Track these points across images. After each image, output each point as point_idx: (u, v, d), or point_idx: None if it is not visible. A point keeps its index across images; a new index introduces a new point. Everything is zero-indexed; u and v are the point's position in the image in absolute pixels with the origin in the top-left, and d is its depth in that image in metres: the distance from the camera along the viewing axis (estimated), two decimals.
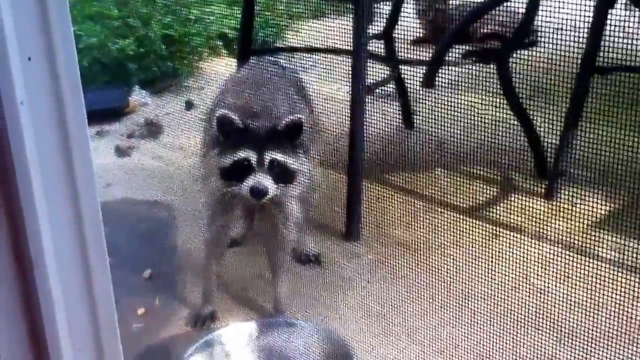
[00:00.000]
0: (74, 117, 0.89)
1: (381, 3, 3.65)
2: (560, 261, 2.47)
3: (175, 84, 4.25)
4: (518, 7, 3.39)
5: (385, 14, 3.62)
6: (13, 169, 0.85)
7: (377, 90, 3.61)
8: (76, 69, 0.89)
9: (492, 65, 3.16)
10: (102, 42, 3.99)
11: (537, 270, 2.48)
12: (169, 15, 4.34)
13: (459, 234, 2.76)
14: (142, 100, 4.03)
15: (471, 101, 3.42)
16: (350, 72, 2.79)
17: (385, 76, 3.55)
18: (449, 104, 3.50)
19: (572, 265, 2.25)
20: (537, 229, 2.75)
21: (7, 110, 0.83)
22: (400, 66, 3.57)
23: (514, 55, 3.16)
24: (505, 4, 3.63)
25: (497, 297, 2.35)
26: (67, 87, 0.88)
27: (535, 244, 2.65)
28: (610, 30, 2.69)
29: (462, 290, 2.44)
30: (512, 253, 2.60)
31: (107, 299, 0.98)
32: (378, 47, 3.46)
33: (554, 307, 2.32)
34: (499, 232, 2.76)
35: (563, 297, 2.29)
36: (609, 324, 1.97)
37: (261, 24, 3.89)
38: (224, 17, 4.40)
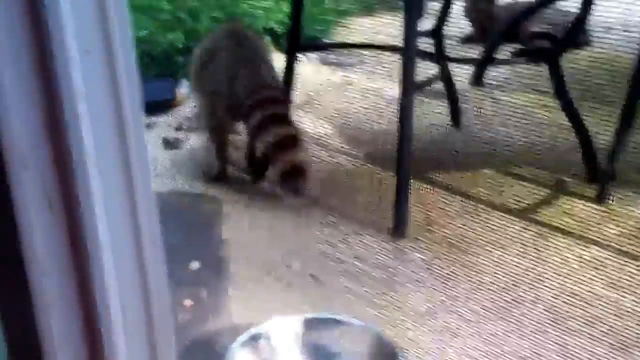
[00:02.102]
0: (130, 109, 0.89)
1: (431, 1, 3.63)
2: (612, 266, 2.44)
3: None
4: (569, 6, 3.36)
5: (435, 12, 3.61)
6: (71, 161, 0.85)
7: (427, 88, 3.59)
8: (133, 62, 0.88)
9: (542, 65, 3.13)
10: (151, 35, 4.01)
11: (589, 275, 2.45)
12: (217, 9, 4.35)
13: (508, 235, 2.73)
14: (190, 93, 4.05)
15: (520, 101, 3.40)
16: (399, 70, 2.77)
17: (434, 74, 3.53)
18: (498, 103, 3.49)
19: (624, 271, 2.24)
20: (588, 232, 2.72)
21: (65, 103, 0.83)
22: (448, 64, 3.55)
23: (566, 54, 3.13)
24: (556, 3, 3.60)
25: (547, 301, 2.33)
26: (125, 81, 0.88)
27: (585, 247, 2.62)
28: None
29: (510, 292, 2.42)
30: (562, 256, 2.58)
31: (162, 291, 0.98)
32: (427, 45, 3.44)
33: (606, 313, 2.29)
34: (549, 234, 2.73)
35: (615, 304, 2.26)
36: None
37: (309, 19, 3.88)
38: (272, 11, 4.42)
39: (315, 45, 3.94)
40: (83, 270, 0.91)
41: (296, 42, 3.31)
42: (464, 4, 4.45)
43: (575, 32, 3.17)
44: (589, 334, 2.21)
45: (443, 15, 3.54)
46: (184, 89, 4.03)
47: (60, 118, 0.83)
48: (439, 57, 3.49)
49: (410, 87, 2.75)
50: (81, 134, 0.84)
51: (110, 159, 0.89)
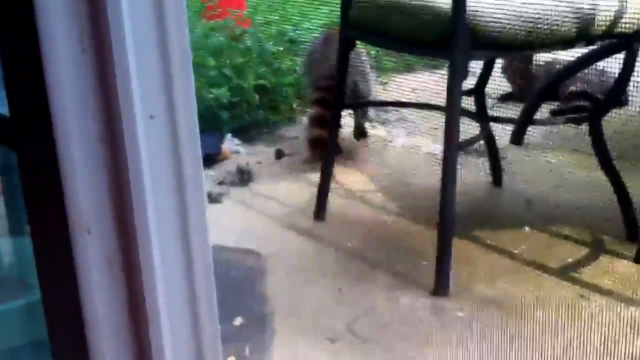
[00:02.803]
0: (191, 176, 0.91)
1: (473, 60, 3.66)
2: None
3: (266, 132, 4.31)
4: (609, 67, 3.38)
5: (477, 70, 3.63)
6: (133, 226, 0.88)
7: (469, 147, 3.61)
8: (196, 127, 0.91)
9: (583, 125, 3.15)
10: (197, 91, 4.07)
11: (628, 336, 2.44)
12: (262, 66, 4.41)
13: (549, 295, 2.73)
14: (235, 148, 4.10)
15: (560, 160, 3.41)
16: (440, 127, 2.80)
17: (476, 133, 3.55)
18: (538, 162, 3.50)
19: None
20: (628, 292, 2.71)
21: (130, 169, 0.86)
22: (490, 123, 3.57)
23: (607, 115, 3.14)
24: (596, 64, 3.62)
25: None
26: (186, 146, 0.91)
27: (625, 308, 2.61)
28: None
29: (551, 353, 2.41)
30: (603, 317, 2.57)
31: (216, 352, 1.00)
32: (468, 104, 3.47)
33: None
34: (589, 294, 2.73)
35: None
36: None
37: None
38: None
39: (360, 102, 3.98)
40: (140, 335, 0.93)
41: (342, 99, 3.35)
42: (503, 63, 4.47)
43: (617, 93, 3.18)
44: None
45: (485, 75, 3.57)
46: (228, 143, 4.08)
47: (124, 184, 0.87)
48: (481, 116, 3.52)
49: (453, 145, 2.78)
50: (144, 200, 0.87)
51: (170, 224, 0.91)
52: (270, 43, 4.64)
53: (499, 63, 4.37)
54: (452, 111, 2.77)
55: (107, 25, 0.80)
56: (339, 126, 3.54)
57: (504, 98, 4.50)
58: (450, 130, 2.77)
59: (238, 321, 2.70)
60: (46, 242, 0.93)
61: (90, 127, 0.84)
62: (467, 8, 2.68)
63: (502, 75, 4.47)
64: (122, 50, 0.81)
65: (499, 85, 4.33)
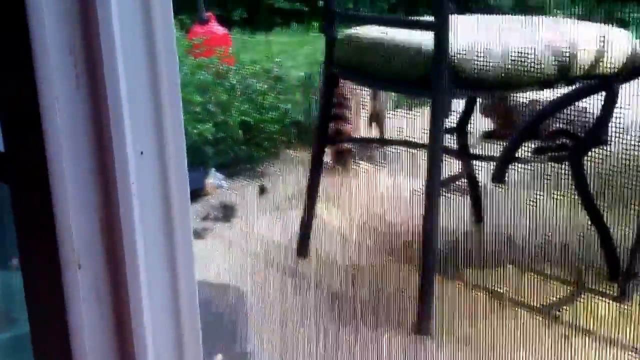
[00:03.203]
0: (179, 211, 0.93)
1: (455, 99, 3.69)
2: None
3: (250, 168, 4.33)
4: (589, 105, 3.41)
5: (459, 109, 3.66)
6: (123, 262, 0.89)
7: (451, 184, 3.63)
8: (184, 163, 0.93)
9: (564, 164, 3.17)
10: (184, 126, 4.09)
11: None
12: (247, 102, 4.44)
13: (529, 335, 2.74)
14: (218, 183, 4.11)
15: (542, 198, 3.43)
16: (424, 165, 2.82)
17: (458, 171, 3.58)
18: (519, 200, 3.52)
19: None
20: (609, 332, 2.72)
21: (122, 208, 0.87)
22: (472, 161, 3.60)
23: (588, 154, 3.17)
24: (576, 103, 3.65)
25: None
26: (174, 182, 0.93)
27: (606, 348, 2.63)
28: None
29: None
30: (584, 356, 2.58)
31: None
32: (451, 142, 3.49)
33: None
34: (570, 333, 2.74)
35: None
36: None
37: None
38: (299, 105, 4.50)
39: (342, 139, 4.00)
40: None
41: (324, 134, 3.37)
42: (483, 101, 4.50)
43: (598, 132, 3.21)
44: None
45: (467, 113, 3.60)
46: (212, 179, 4.10)
47: (114, 219, 0.88)
48: (463, 153, 3.54)
49: (436, 183, 2.79)
50: (135, 237, 0.88)
51: (158, 259, 0.93)
52: (254, 81, 4.67)
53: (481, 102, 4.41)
54: (434, 149, 2.79)
55: (102, 63, 0.82)
56: (322, 161, 3.55)
57: (487, 136, 4.53)
58: (433, 168, 2.79)
59: (219, 358, 2.70)
60: (36, 275, 0.94)
61: (82, 162, 0.85)
62: (450, 48, 2.71)
63: (482, 114, 4.50)
64: (116, 88, 0.83)
65: (481, 123, 4.36)
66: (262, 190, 4.09)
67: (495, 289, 3.05)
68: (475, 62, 2.77)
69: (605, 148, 3.61)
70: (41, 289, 0.94)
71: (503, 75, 2.79)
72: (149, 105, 0.87)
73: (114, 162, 0.85)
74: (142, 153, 0.88)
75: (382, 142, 3.94)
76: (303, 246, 3.39)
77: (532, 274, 3.18)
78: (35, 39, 0.80)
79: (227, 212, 3.82)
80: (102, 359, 0.93)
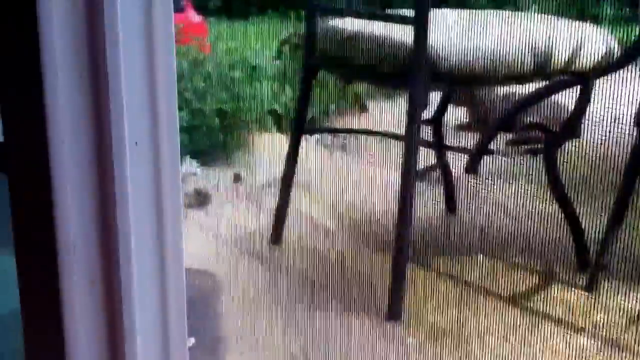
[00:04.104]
0: (170, 200, 0.96)
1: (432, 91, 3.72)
2: (600, 355, 2.49)
3: (224, 156, 4.33)
4: (563, 99, 3.45)
5: (435, 101, 3.70)
6: (116, 248, 0.92)
7: (425, 175, 3.67)
8: (177, 154, 0.96)
9: (537, 156, 3.21)
10: None
11: None
12: (223, 91, 4.44)
13: (499, 323, 2.79)
14: (192, 170, 4.12)
15: (513, 189, 3.48)
16: (398, 155, 2.85)
17: (432, 162, 3.62)
18: (491, 191, 3.56)
19: None
20: (578, 321, 2.77)
21: (117, 194, 0.90)
22: (446, 152, 3.64)
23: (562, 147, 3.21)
24: (550, 97, 3.69)
25: None
26: (167, 171, 0.95)
27: (575, 336, 2.67)
28: None
29: None
30: (552, 344, 2.62)
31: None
32: (426, 133, 3.53)
33: None
34: (539, 322, 2.78)
35: None
36: None
37: (313, 102, 3.97)
38: (276, 94, 4.51)
39: (320, 129, 4.03)
40: (116, 349, 0.97)
41: (302, 124, 3.40)
42: (460, 93, 4.53)
43: (571, 126, 3.25)
44: None
45: (443, 105, 3.64)
46: (186, 166, 4.10)
47: (110, 207, 0.91)
48: (438, 145, 3.58)
49: (411, 174, 2.83)
50: (128, 223, 0.92)
51: (149, 247, 0.96)
52: (231, 69, 4.67)
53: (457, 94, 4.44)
54: (410, 140, 2.83)
55: (104, 60, 0.84)
56: (298, 150, 3.57)
57: (463, 127, 4.56)
58: (408, 159, 2.82)
59: (190, 342, 2.71)
60: (31, 259, 0.96)
61: (82, 152, 0.88)
62: (428, 42, 2.75)
63: (460, 106, 4.53)
64: (117, 80, 0.85)
65: (456, 115, 4.39)
66: (237, 178, 4.11)
67: (466, 278, 3.09)
68: (452, 57, 2.81)
69: (578, 141, 3.66)
70: (35, 271, 0.96)
71: (480, 70, 2.83)
72: (145, 97, 0.90)
73: (111, 152, 0.88)
74: (136, 143, 0.91)
75: (359, 132, 3.97)
76: (277, 233, 3.42)
77: (503, 263, 3.22)
78: (41, 32, 0.82)
79: (200, 199, 3.84)
80: (93, 340, 0.96)
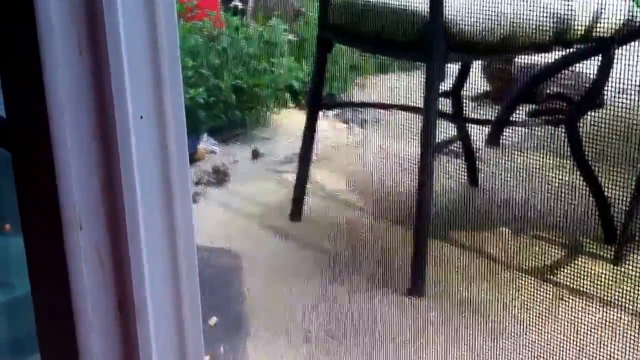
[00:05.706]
0: (177, 174, 0.93)
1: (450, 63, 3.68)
2: (629, 328, 2.46)
3: (242, 133, 4.32)
4: (585, 68, 3.41)
5: (454, 73, 3.66)
6: (124, 223, 0.89)
7: (446, 148, 3.64)
8: (183, 127, 0.93)
9: (560, 127, 3.17)
10: None
11: (605, 337, 2.47)
12: (239, 66, 4.42)
13: (524, 296, 2.76)
14: (210, 148, 4.10)
15: (536, 161, 3.44)
16: (417, 129, 2.82)
17: (453, 134, 3.58)
18: (514, 163, 3.53)
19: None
20: (605, 294, 2.74)
21: (123, 168, 0.87)
22: (467, 124, 3.60)
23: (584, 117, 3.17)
24: (573, 66, 3.65)
25: None
26: (174, 145, 0.92)
27: (602, 309, 2.64)
28: None
29: (527, 353, 2.43)
30: (579, 318, 2.59)
31: (198, 348, 1.02)
32: (446, 105, 3.49)
33: None
34: (565, 295, 2.75)
35: None
36: None
37: (328, 77, 3.94)
38: (293, 69, 4.48)
39: (337, 103, 4.00)
40: (127, 328, 0.95)
41: (318, 99, 3.36)
42: (482, 65, 4.49)
43: (594, 96, 3.21)
44: None
45: (462, 77, 3.59)
46: (205, 143, 4.09)
47: (115, 181, 0.88)
48: (457, 117, 3.54)
49: (430, 147, 2.80)
50: (136, 198, 0.89)
51: (158, 223, 0.93)
52: (246, 44, 4.64)
53: (479, 63, 4.40)
54: (428, 112, 2.79)
55: (104, 29, 0.81)
56: (315, 125, 3.54)
57: (480, 97, 4.52)
58: (427, 132, 2.79)
59: (213, 321, 2.71)
60: (38, 237, 0.94)
61: (85, 127, 0.85)
62: (444, 11, 2.71)
63: (483, 76, 4.49)
64: (118, 54, 0.82)
65: (475, 86, 4.35)
66: (255, 155, 4.09)
67: (490, 251, 3.06)
68: (470, 26, 2.76)
69: (601, 111, 3.62)
70: (42, 250, 0.94)
71: (498, 39, 2.79)
72: (148, 70, 0.87)
73: (115, 126, 0.85)
74: (141, 117, 0.88)
75: (377, 106, 3.93)
76: (297, 209, 3.40)
77: (527, 236, 3.19)
78: (38, 6, 0.80)
79: (219, 177, 3.82)
80: (103, 319, 0.93)
